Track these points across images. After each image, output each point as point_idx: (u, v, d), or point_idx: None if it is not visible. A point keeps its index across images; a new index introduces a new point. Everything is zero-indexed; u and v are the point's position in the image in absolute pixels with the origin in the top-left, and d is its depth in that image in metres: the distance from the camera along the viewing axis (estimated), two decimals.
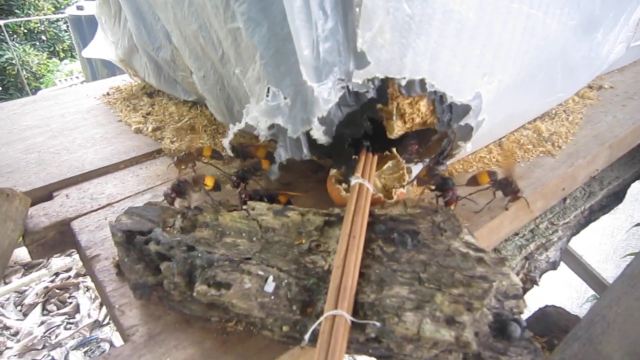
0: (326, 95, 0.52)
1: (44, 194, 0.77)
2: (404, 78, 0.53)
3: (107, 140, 0.93)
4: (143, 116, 1.00)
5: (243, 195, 0.62)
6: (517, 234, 0.77)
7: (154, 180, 0.78)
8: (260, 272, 0.47)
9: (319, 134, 0.54)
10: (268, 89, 0.55)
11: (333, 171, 0.65)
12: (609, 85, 1.12)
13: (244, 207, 0.58)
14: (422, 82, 0.55)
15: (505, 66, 0.61)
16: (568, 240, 0.86)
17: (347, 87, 0.53)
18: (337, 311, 0.43)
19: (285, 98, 0.54)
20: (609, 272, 2.61)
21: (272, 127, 0.56)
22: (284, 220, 0.55)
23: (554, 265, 0.80)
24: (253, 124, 0.59)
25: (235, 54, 0.60)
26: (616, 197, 1.03)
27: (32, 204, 0.71)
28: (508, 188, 0.65)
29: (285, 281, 0.47)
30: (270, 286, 0.46)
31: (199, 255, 0.50)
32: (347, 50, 0.52)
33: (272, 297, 0.46)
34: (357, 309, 0.45)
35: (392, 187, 0.63)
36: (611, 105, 1.01)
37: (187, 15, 0.67)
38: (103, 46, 1.13)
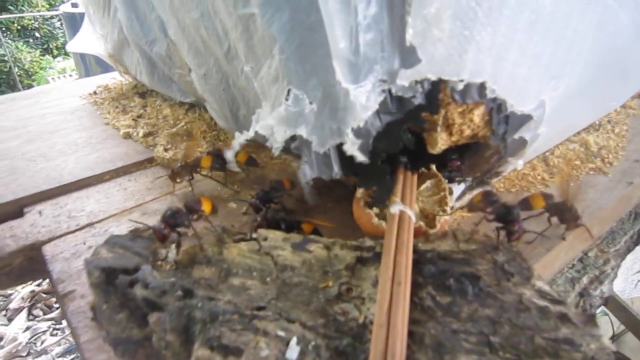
0: (364, 101, 0.41)
1: (14, 210, 0.65)
2: (462, 81, 0.42)
3: (92, 146, 0.81)
4: (133, 119, 0.89)
5: (257, 221, 0.51)
6: (566, 265, 0.66)
7: (143, 194, 0.67)
8: (280, 333, 0.36)
9: (355, 150, 0.42)
10: (288, 90, 0.44)
11: (360, 191, 0.53)
12: None
13: (254, 236, 0.47)
14: (482, 87, 0.44)
15: (574, 68, 0.51)
16: (618, 270, 0.75)
17: (389, 90, 0.42)
18: None
19: (310, 103, 0.43)
20: (618, 286, 2.51)
21: (292, 138, 0.45)
22: (306, 257, 0.44)
23: (606, 301, 0.70)
24: (265, 133, 0.48)
25: (246, 48, 0.49)
26: None
27: None
28: (567, 214, 0.55)
29: (313, 343, 0.36)
30: (293, 352, 0.35)
31: (199, 305, 0.38)
32: (392, 43, 0.40)
33: None
34: None
35: (432, 213, 0.52)
36: None
37: (186, 1, 0.56)
38: (90, 39, 1.01)
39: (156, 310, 0.39)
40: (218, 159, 0.66)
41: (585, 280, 0.64)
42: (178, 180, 0.65)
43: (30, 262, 0.57)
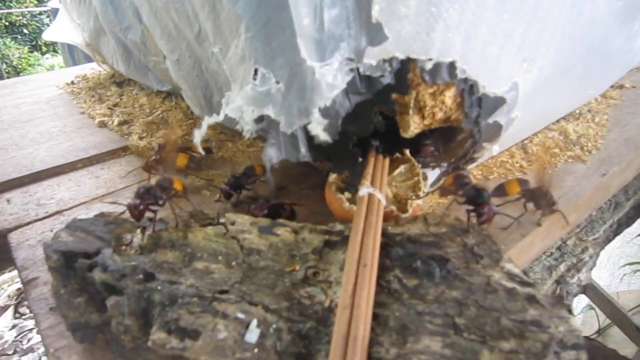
0: (331, 79, 0.40)
1: None
2: (430, 60, 0.41)
3: (65, 134, 0.79)
4: (109, 108, 0.87)
5: (254, 208, 0.50)
6: (543, 252, 0.66)
7: (115, 183, 0.65)
8: (240, 315, 0.35)
9: (320, 130, 0.41)
10: (255, 70, 0.42)
11: (333, 177, 0.52)
12: (631, 84, 1.02)
13: (221, 220, 0.46)
14: (452, 67, 0.43)
15: (548, 51, 0.50)
16: (596, 259, 0.75)
17: (357, 69, 0.41)
18: None
19: (277, 82, 0.42)
20: (604, 280, 2.53)
21: (260, 119, 0.44)
22: (272, 240, 0.43)
23: (584, 289, 0.70)
24: (235, 115, 0.46)
25: (213, 28, 0.48)
26: None
27: None
28: (542, 200, 0.54)
29: (274, 326, 0.35)
30: (253, 334, 0.34)
31: (159, 288, 0.37)
32: (359, 20, 0.40)
33: (256, 351, 0.33)
34: None
35: (405, 198, 0.51)
36: (637, 106, 0.91)
37: None
38: (67, 28, 0.99)
39: (115, 294, 0.38)
40: (194, 159, 0.66)
41: (562, 267, 0.64)
42: (152, 172, 0.64)
43: None
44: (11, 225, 0.57)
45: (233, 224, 0.46)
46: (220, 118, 0.48)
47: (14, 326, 2.21)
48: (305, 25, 0.38)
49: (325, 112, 0.42)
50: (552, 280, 0.62)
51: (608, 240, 0.80)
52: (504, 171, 0.66)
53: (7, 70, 4.94)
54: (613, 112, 0.87)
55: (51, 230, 0.55)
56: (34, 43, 5.63)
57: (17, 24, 5.55)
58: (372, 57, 0.40)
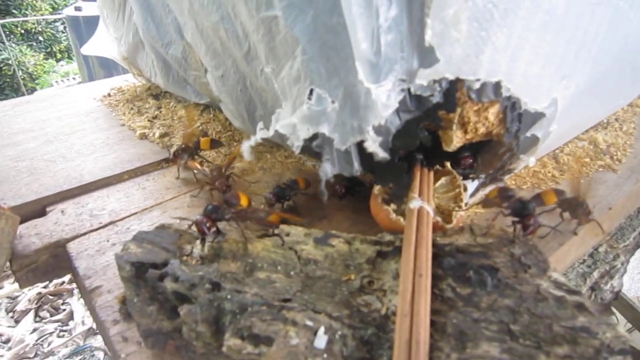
0: (385, 99, 0.42)
1: (36, 209, 0.67)
2: (478, 80, 0.43)
3: (109, 146, 0.82)
4: (149, 120, 0.90)
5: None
6: (577, 260, 0.68)
7: (162, 193, 0.68)
8: (309, 322, 0.37)
9: (376, 147, 0.44)
10: (311, 90, 0.45)
11: (377, 188, 0.55)
12: None
13: (276, 231, 0.49)
14: (498, 86, 0.45)
15: (585, 67, 0.52)
16: (627, 265, 0.77)
17: (409, 89, 0.44)
18: None
19: (332, 102, 0.44)
20: (624, 284, 2.51)
21: (314, 137, 0.46)
22: (328, 251, 0.46)
23: (616, 295, 0.71)
24: (286, 132, 0.49)
25: (267, 49, 0.50)
26: None
27: (22, 221, 0.61)
28: (579, 209, 0.56)
29: (339, 333, 0.37)
30: (321, 340, 0.36)
31: (228, 297, 0.40)
32: (412, 44, 0.42)
33: (325, 356, 0.36)
34: None
35: (447, 209, 0.53)
36: None
37: (206, 4, 0.58)
38: (105, 43, 1.03)
39: (186, 302, 0.41)
40: (214, 142, 0.74)
41: (596, 274, 0.66)
42: (181, 161, 0.71)
43: (55, 259, 0.59)
44: (68, 236, 0.60)
45: (287, 235, 0.48)
46: (270, 134, 0.51)
47: (34, 330, 2.25)
48: (364, 49, 0.40)
49: (377, 130, 0.44)
50: (587, 287, 0.64)
51: (637, 246, 0.81)
52: (536, 181, 0.68)
53: (22, 77, 5.01)
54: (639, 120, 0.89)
55: (107, 240, 0.58)
56: (48, 50, 5.70)
57: (33, 32, 5.63)
58: (423, 78, 0.43)
